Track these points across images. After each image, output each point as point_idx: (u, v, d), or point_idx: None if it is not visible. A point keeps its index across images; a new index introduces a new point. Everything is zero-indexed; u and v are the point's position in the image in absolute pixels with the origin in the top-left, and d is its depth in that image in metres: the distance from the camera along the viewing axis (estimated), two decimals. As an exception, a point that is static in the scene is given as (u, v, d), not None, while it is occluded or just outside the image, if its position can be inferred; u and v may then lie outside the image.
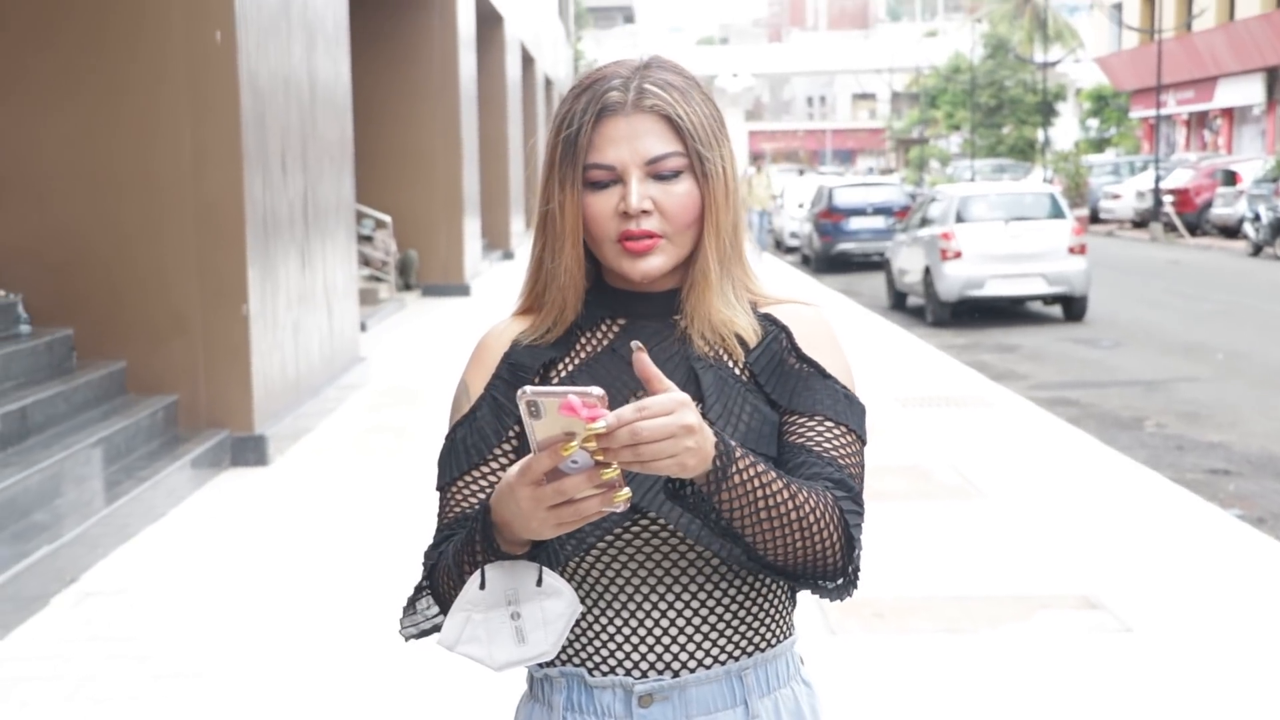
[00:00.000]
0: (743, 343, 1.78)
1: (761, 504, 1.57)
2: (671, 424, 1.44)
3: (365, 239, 16.95)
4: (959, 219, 17.08)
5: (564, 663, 1.78)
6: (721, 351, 1.77)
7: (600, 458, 1.46)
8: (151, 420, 8.00)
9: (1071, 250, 16.65)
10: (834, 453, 1.72)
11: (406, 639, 1.79)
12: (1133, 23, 45.24)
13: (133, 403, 8.14)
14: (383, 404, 10.59)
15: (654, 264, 1.74)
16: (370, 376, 11.49)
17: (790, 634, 1.83)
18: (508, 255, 24.61)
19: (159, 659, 5.10)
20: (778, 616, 1.80)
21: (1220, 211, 30.08)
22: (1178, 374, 12.41)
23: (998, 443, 8.92)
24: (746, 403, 1.74)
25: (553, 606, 1.64)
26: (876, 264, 23.59)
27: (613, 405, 1.49)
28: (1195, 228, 31.16)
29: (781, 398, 1.76)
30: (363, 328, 13.18)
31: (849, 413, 1.76)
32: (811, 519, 1.61)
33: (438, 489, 1.81)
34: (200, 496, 7.61)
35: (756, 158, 27.34)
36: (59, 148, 8.27)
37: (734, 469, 1.54)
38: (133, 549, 6.57)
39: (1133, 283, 21.01)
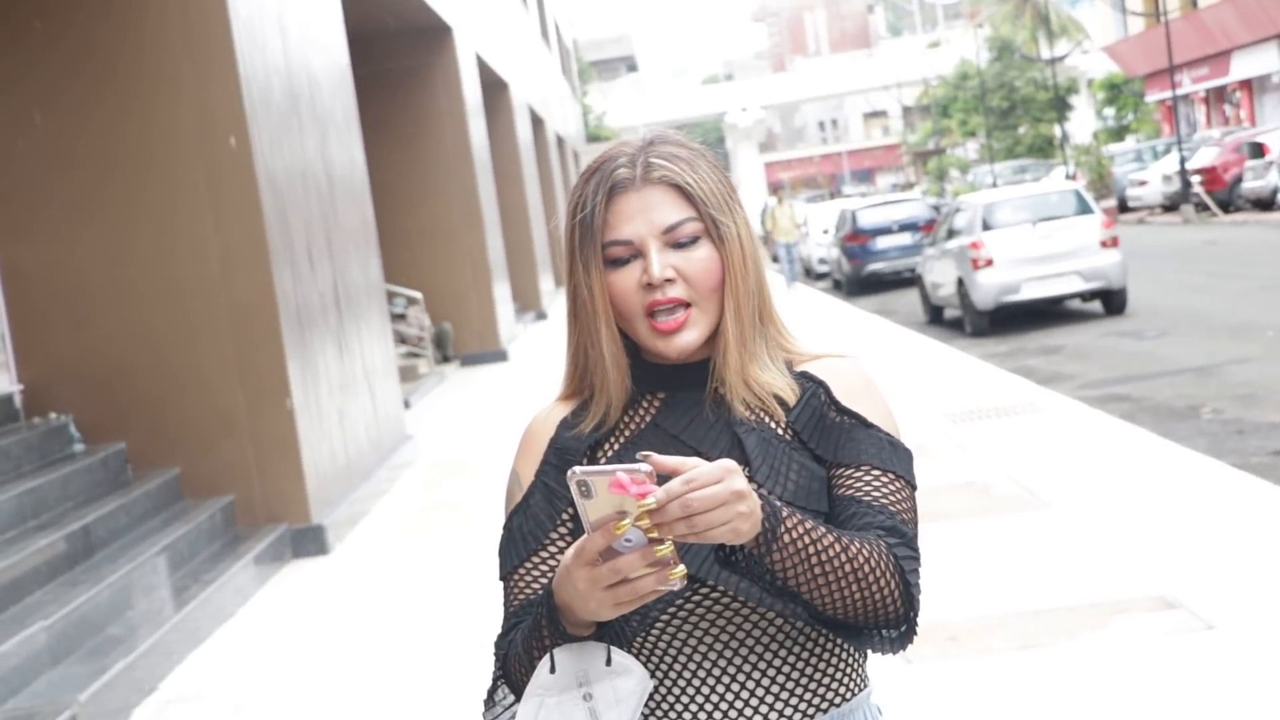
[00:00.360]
0: (782, 403, 1.80)
1: (814, 559, 1.59)
2: (722, 491, 1.46)
3: (399, 317, 17.06)
4: (986, 226, 17.05)
5: None
6: (762, 414, 1.79)
7: (654, 534, 1.47)
8: (211, 522, 8.07)
9: (1104, 244, 16.57)
10: (884, 500, 1.73)
11: None
12: (1136, 8, 45.07)
13: (190, 507, 8.21)
14: (434, 479, 10.65)
15: (687, 338, 1.76)
16: (419, 453, 11.55)
17: (865, 685, 1.84)
18: (541, 316, 24.72)
19: (246, 763, 5.14)
20: (849, 670, 1.81)
21: (1251, 185, 29.78)
22: (1228, 356, 12.32)
23: (1053, 448, 8.89)
24: (793, 461, 1.76)
25: (624, 684, 1.65)
26: (908, 281, 23.56)
27: (660, 483, 1.51)
28: (1228, 204, 30.83)
29: (826, 452, 1.77)
30: (406, 405, 13.26)
31: (894, 459, 1.78)
32: (866, 569, 1.62)
33: (500, 579, 1.83)
34: (266, 592, 7.67)
35: (777, 189, 26.72)
36: (90, 268, 8.38)
37: (782, 528, 1.56)
38: (206, 652, 6.63)
39: (1170, 268, 20.86)
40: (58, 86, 8.29)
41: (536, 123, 30.58)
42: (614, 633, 1.66)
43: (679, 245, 1.74)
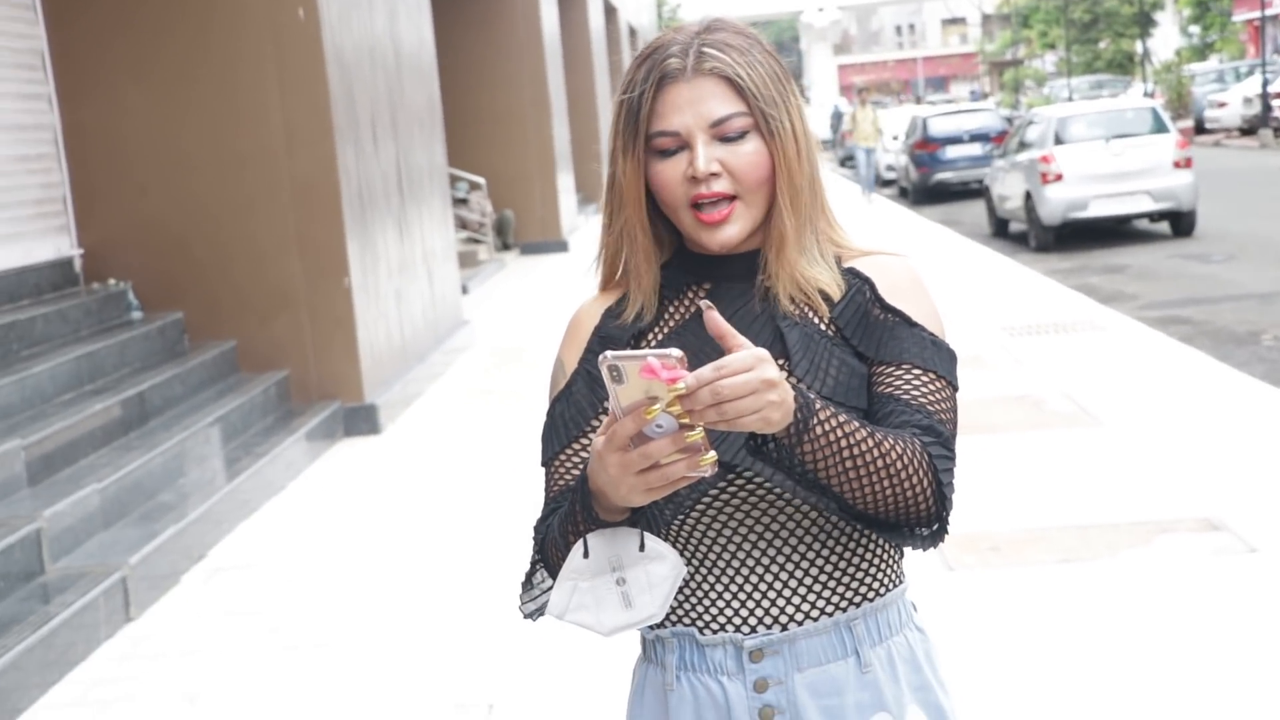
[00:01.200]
0: (827, 298, 1.78)
1: (846, 454, 1.58)
2: (753, 379, 1.45)
3: (460, 202, 17.08)
4: (1058, 140, 16.81)
5: (674, 624, 1.80)
6: (806, 308, 1.78)
7: (685, 420, 1.46)
8: (265, 396, 8.17)
9: (1176, 164, 16.30)
10: (922, 399, 1.71)
11: (526, 615, 1.82)
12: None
13: (245, 380, 8.31)
14: (489, 366, 10.71)
15: (730, 232, 1.74)
16: (475, 339, 11.62)
17: (900, 582, 1.84)
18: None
19: (288, 630, 5.24)
20: (885, 566, 1.82)
21: (1334, 112, 29.21)
22: (1294, 284, 12.15)
23: (1110, 367, 8.82)
24: (834, 357, 1.74)
25: (657, 570, 1.66)
26: (975, 192, 23.35)
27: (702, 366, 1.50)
28: (1307, 131, 30.31)
29: (868, 349, 1.75)
30: (464, 291, 13.31)
31: (937, 359, 1.75)
32: (899, 465, 1.61)
33: (542, 464, 1.84)
34: (317, 468, 7.77)
35: (861, 90, 25.68)
36: (151, 135, 8.42)
37: (815, 420, 1.55)
38: (256, 523, 6.74)
39: (1244, 192, 20.51)
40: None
41: (610, 12, 30.30)
42: (648, 519, 1.67)
43: (727, 139, 1.71)
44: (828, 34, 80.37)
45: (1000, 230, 18.67)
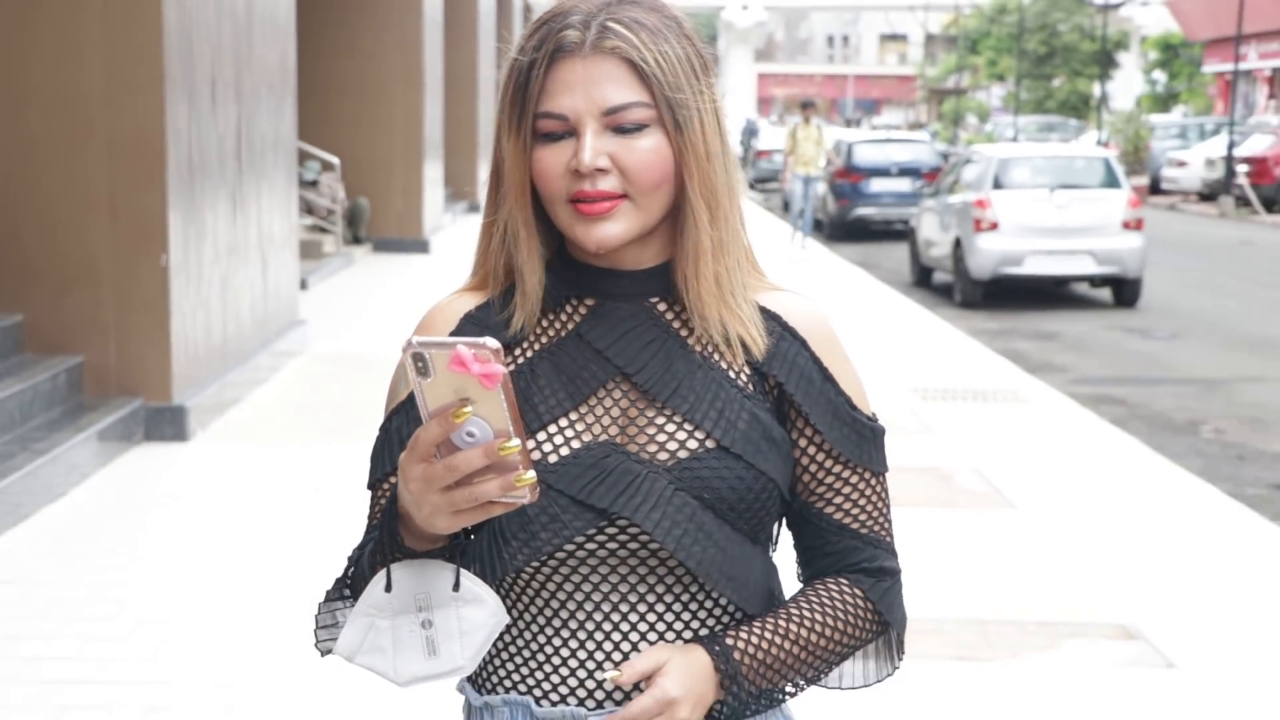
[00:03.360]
0: (744, 342, 1.74)
1: (781, 671, 1.73)
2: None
3: (309, 184, 16.94)
4: (997, 184, 17.09)
5: (508, 690, 1.74)
6: (714, 349, 1.74)
7: (501, 428, 1.40)
8: (52, 384, 7.99)
9: (1126, 225, 16.66)
10: (865, 519, 1.81)
11: (324, 653, 1.76)
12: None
13: (30, 363, 8.12)
14: (323, 375, 10.60)
15: (611, 230, 1.67)
16: (310, 342, 11.50)
17: None
18: (474, 207, 24.59)
19: (49, 661, 5.12)
20: None
21: (1303, 185, 29.98)
22: (1242, 373, 12.46)
23: (1030, 445, 8.96)
24: (744, 409, 1.72)
25: (472, 616, 1.61)
26: (899, 233, 23.61)
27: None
28: (1273, 203, 31.04)
29: (787, 417, 1.79)
30: (303, 285, 13.19)
31: (873, 450, 1.82)
32: (842, 639, 1.77)
33: (368, 487, 1.79)
34: (107, 474, 7.62)
35: (805, 106, 22.90)
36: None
37: (746, 684, 1.68)
38: (25, 532, 6.59)
39: (1196, 265, 21.04)
40: None
41: (503, -17, 30.31)
42: (494, 559, 1.63)
43: (622, 130, 1.65)
44: (750, 36, 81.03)
45: (923, 279, 18.94)
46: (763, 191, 35.42)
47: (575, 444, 1.67)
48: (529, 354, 1.75)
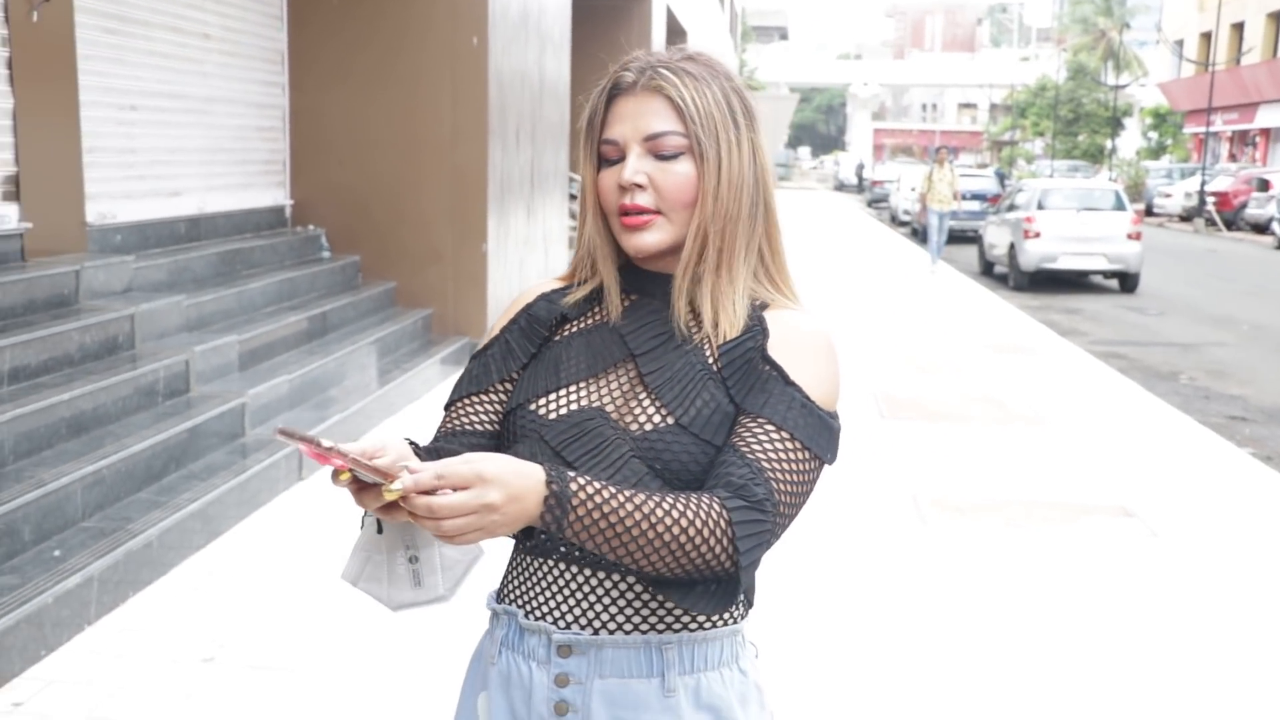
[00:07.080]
0: (721, 334, 1.41)
1: (611, 533, 1.20)
2: (470, 502, 1.13)
3: (574, 198, 17.10)
4: (1040, 206, 16.60)
5: (510, 602, 1.45)
6: (700, 338, 1.41)
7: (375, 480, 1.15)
8: (413, 327, 8.25)
9: (1129, 236, 16.08)
10: (760, 456, 1.29)
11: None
12: (1191, 56, 43.15)
13: (400, 313, 8.40)
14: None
15: (646, 239, 1.40)
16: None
17: (732, 622, 1.42)
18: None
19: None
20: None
21: (1253, 212, 28.74)
22: (1209, 339, 11.97)
23: (1060, 384, 8.75)
24: (705, 391, 1.36)
25: (451, 553, 1.38)
26: (971, 239, 23.09)
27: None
28: (1231, 224, 29.81)
29: (739, 396, 1.36)
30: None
31: (800, 421, 1.33)
32: (676, 532, 1.22)
33: (444, 407, 1.52)
34: (447, 385, 7.81)
35: (940, 149, 18.42)
36: (351, 123, 8.51)
37: (571, 516, 1.18)
38: (398, 421, 6.82)
39: (1177, 265, 20.21)
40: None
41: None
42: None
43: (661, 156, 1.38)
44: (868, 103, 79.48)
45: (987, 270, 18.46)
46: (876, 209, 34.79)
47: (573, 407, 1.39)
48: (575, 329, 1.49)
